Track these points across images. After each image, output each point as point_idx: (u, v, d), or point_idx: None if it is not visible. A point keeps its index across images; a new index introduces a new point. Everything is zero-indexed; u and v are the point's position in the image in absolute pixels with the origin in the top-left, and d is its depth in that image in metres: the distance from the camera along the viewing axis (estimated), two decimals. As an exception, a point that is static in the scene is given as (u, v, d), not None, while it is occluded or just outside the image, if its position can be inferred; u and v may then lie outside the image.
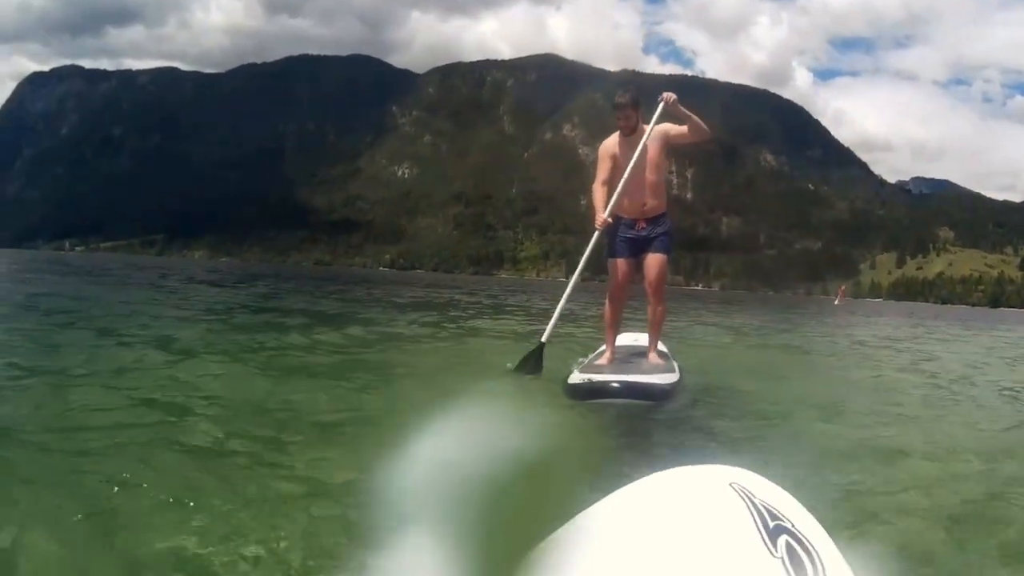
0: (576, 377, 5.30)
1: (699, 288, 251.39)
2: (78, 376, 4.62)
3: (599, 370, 5.59)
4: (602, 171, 5.88)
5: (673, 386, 5.22)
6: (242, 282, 27.92)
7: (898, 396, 6.24)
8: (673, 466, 1.02)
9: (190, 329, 8.23)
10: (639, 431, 4.49)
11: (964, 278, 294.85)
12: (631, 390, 5.05)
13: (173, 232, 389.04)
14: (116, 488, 2.50)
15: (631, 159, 5.73)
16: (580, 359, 6.13)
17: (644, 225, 5.88)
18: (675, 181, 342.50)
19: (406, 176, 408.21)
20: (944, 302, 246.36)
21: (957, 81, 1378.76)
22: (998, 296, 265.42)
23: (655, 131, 5.82)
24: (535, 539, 0.77)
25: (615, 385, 5.10)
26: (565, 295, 5.94)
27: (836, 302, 66.16)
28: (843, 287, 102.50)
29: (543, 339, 5.89)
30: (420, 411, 2.31)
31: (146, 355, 5.81)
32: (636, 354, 6.30)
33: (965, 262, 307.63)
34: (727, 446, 3.99)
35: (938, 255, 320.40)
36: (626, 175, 5.72)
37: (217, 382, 4.82)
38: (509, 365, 5.87)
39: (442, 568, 0.92)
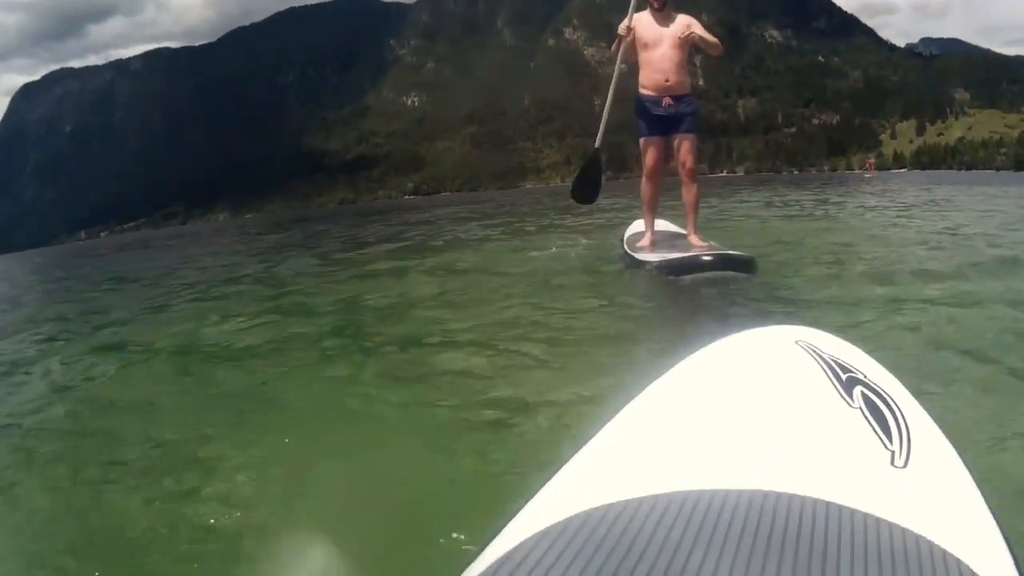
0: (652, 256, 5.63)
1: (724, 174, 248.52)
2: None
3: (667, 248, 5.88)
4: (624, 34, 5.97)
5: (754, 257, 5.33)
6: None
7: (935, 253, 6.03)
8: (737, 331, 1.04)
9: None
10: (699, 303, 4.54)
11: (985, 141, 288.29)
12: (727, 262, 5.15)
13: (192, 201, 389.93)
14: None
15: (659, 33, 5.87)
16: (616, 240, 6.78)
17: (670, 102, 5.93)
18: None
19: (416, 105, 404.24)
20: (969, 168, 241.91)
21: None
22: (1022, 158, 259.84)
23: (684, 18, 5.94)
24: (621, 403, 0.86)
25: (707, 258, 5.23)
26: (609, 96, 6.27)
27: (866, 175, 62.71)
28: (871, 159, 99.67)
29: (597, 144, 6.22)
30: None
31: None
32: (674, 235, 6.57)
33: (984, 124, 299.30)
34: (789, 308, 4.00)
35: (956, 119, 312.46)
36: (649, 46, 5.91)
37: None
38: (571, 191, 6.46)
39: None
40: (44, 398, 3.74)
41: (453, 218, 21.20)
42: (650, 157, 6.05)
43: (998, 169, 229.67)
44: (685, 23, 5.87)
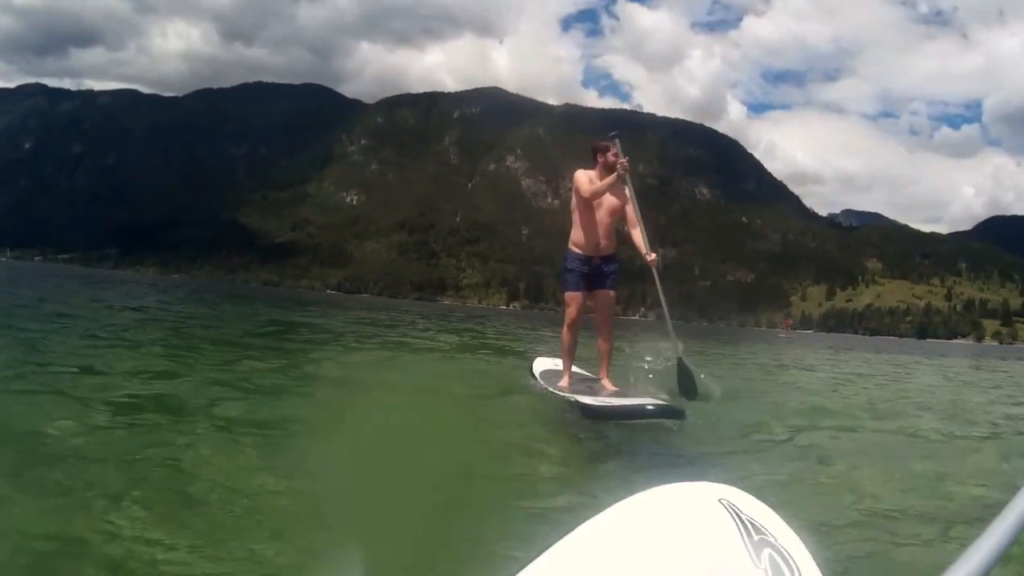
0: (591, 399, 5.77)
1: (636, 318, 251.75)
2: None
3: (592, 393, 6.08)
4: (587, 185, 6.33)
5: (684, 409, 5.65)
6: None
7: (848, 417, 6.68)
8: (664, 482, 1.06)
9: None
10: (626, 449, 4.59)
11: (892, 309, 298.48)
12: (664, 412, 5.47)
13: (127, 247, 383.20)
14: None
15: (600, 200, 6.32)
16: (534, 382, 6.80)
17: (599, 262, 6.39)
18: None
19: (353, 202, 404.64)
20: (873, 333, 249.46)
21: (885, 114, 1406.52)
22: (925, 327, 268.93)
23: (624, 189, 6.39)
24: (532, 555, 0.87)
25: (650, 408, 5.52)
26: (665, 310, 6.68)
27: (782, 334, 60.62)
28: (789, 319, 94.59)
29: (679, 354, 6.37)
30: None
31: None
32: (587, 380, 6.78)
33: (893, 293, 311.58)
34: (704, 460, 4.24)
35: (867, 286, 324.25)
36: (591, 214, 6.33)
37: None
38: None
39: None
40: None
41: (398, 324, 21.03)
42: (574, 309, 6.39)
43: (901, 336, 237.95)
44: (625, 195, 6.34)
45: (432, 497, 3.02)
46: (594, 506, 1.02)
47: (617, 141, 6.37)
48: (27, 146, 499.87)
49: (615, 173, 6.26)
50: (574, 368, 6.69)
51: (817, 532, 2.93)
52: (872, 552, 2.68)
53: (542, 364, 7.55)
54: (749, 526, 0.98)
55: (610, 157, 6.32)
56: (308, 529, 2.46)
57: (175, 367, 6.42)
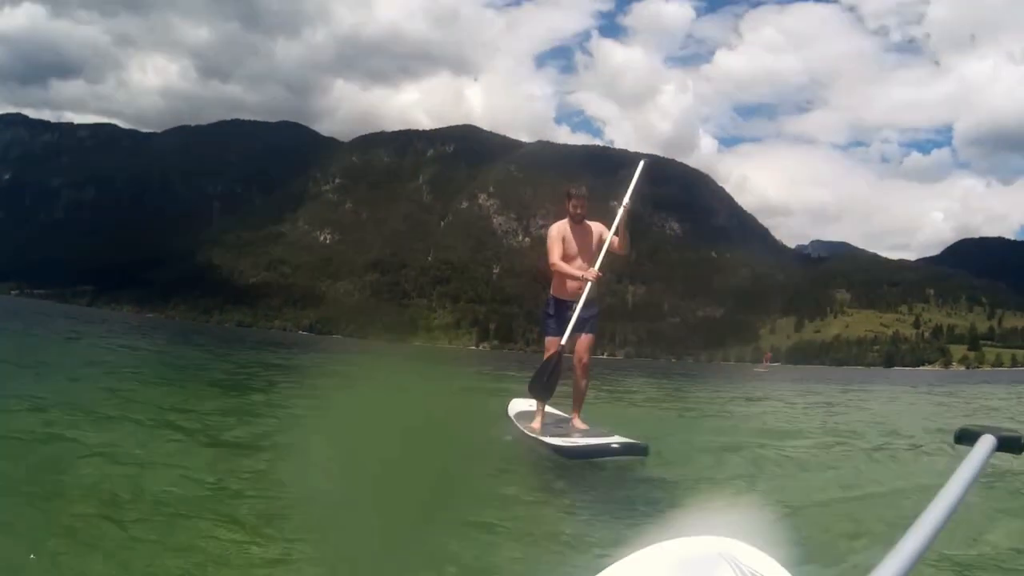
0: (560, 440, 6.22)
1: (604, 356, 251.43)
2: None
3: (564, 433, 6.53)
4: (556, 249, 6.66)
5: (647, 444, 6.13)
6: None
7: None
8: (655, 533, 1.08)
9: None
10: (616, 497, 4.72)
11: (860, 339, 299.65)
12: (629, 448, 5.95)
13: (102, 285, 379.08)
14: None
15: (579, 246, 6.63)
16: (510, 425, 7.18)
17: (577, 307, 6.62)
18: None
19: (328, 242, 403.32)
20: (840, 364, 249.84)
21: (856, 143, 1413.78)
22: (892, 355, 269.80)
23: (597, 226, 6.73)
24: None
25: (615, 446, 5.98)
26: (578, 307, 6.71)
27: (760, 369, 59.57)
28: (769, 353, 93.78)
29: (563, 342, 6.71)
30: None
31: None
32: (560, 420, 7.23)
33: (861, 323, 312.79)
34: (697, 508, 4.23)
35: (835, 317, 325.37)
36: (571, 262, 6.64)
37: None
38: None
39: None
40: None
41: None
42: (549, 354, 6.57)
43: (868, 365, 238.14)
44: (599, 232, 6.67)
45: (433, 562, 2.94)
46: (592, 566, 1.03)
47: (584, 188, 6.83)
48: (6, 176, 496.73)
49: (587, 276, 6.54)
50: (548, 408, 6.95)
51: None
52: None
53: (517, 406, 7.92)
54: None
55: (568, 207, 6.68)
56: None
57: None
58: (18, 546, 2.77)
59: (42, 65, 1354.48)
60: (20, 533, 2.90)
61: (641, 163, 6.94)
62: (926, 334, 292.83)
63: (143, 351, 20.07)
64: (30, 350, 14.59)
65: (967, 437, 1.37)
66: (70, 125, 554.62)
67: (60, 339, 19.77)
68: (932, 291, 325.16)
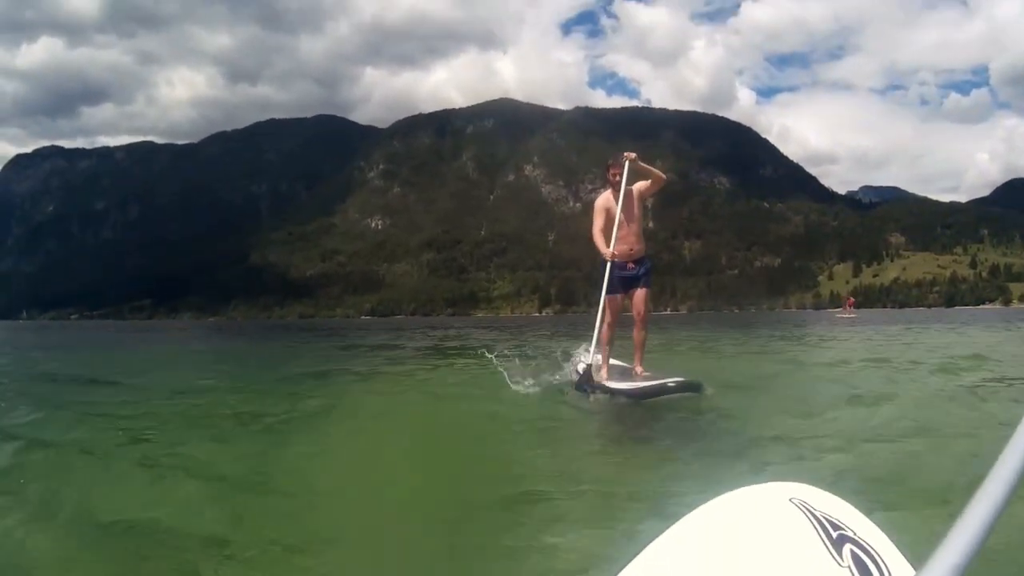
0: (623, 384, 6.59)
1: (667, 312, 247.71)
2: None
3: (628, 379, 6.84)
4: (599, 221, 7.00)
5: (700, 381, 6.45)
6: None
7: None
8: (729, 483, 1.06)
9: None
10: (683, 449, 4.55)
11: (919, 281, 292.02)
12: (685, 386, 6.28)
13: (160, 297, 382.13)
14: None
15: (624, 212, 6.98)
16: (576, 379, 7.26)
17: (632, 266, 7.08)
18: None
19: (378, 227, 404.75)
20: (901, 306, 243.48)
21: (893, 87, 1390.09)
22: (953, 296, 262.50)
23: (632, 190, 7.02)
24: (616, 569, 0.85)
25: (671, 384, 6.31)
26: (598, 321, 7.05)
27: (840, 315, 55.62)
28: (851, 298, 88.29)
29: (590, 361, 7.08)
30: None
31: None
32: (624, 371, 7.39)
33: (918, 266, 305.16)
34: (765, 452, 4.17)
35: (892, 261, 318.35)
36: (617, 225, 6.93)
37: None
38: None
39: None
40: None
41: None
42: (613, 310, 7.01)
43: (930, 306, 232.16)
44: (638, 192, 7.00)
45: (507, 513, 3.02)
46: (664, 516, 1.06)
47: (620, 156, 7.02)
48: (50, 208, 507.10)
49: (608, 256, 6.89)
50: (612, 361, 7.27)
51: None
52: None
53: (581, 359, 7.75)
54: (825, 523, 0.95)
55: (608, 176, 7.01)
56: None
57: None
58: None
59: (69, 95, 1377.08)
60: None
61: (626, 164, 6.99)
62: (983, 274, 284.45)
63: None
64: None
65: None
66: (106, 148, 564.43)
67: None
68: (986, 231, 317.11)
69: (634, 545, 0.98)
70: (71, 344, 27.31)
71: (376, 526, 2.93)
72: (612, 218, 6.90)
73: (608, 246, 6.82)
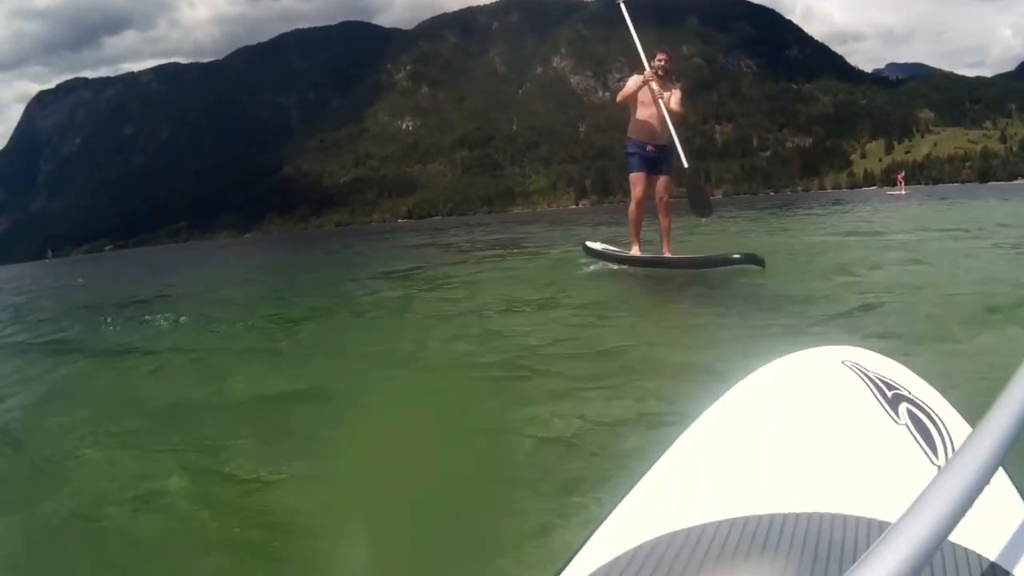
0: (679, 256, 6.83)
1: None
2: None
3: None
4: (630, 87, 7.48)
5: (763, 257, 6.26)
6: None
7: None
8: (776, 350, 1.05)
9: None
10: (731, 317, 4.57)
11: (951, 156, 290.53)
12: (747, 258, 6.15)
13: (194, 218, 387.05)
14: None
15: (654, 97, 7.29)
16: (593, 260, 7.92)
17: (651, 148, 7.39)
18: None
19: (410, 129, 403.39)
20: (936, 182, 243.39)
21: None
22: (986, 170, 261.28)
23: (676, 92, 7.42)
24: (682, 423, 0.89)
25: (735, 256, 6.27)
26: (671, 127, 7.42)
27: (897, 192, 53.17)
28: (901, 173, 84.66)
29: (685, 165, 7.57)
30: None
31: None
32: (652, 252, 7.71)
33: (949, 141, 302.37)
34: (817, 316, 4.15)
35: (923, 137, 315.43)
36: (642, 104, 7.39)
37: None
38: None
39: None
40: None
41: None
42: (639, 188, 7.46)
43: (963, 182, 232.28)
44: (667, 96, 7.40)
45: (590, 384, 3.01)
46: (719, 378, 1.06)
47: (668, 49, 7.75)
48: (77, 141, 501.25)
49: (646, 76, 7.40)
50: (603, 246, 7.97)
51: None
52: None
53: (594, 244, 8.77)
54: (880, 383, 0.95)
55: (654, 63, 7.50)
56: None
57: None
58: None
59: (90, 27, 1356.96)
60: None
61: (622, 5, 7.86)
62: (1014, 148, 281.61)
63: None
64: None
65: None
66: (130, 74, 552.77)
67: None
68: (1014, 106, 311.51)
69: (697, 406, 0.95)
70: (129, 272, 27.16)
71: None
72: (645, 98, 7.45)
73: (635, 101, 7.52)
